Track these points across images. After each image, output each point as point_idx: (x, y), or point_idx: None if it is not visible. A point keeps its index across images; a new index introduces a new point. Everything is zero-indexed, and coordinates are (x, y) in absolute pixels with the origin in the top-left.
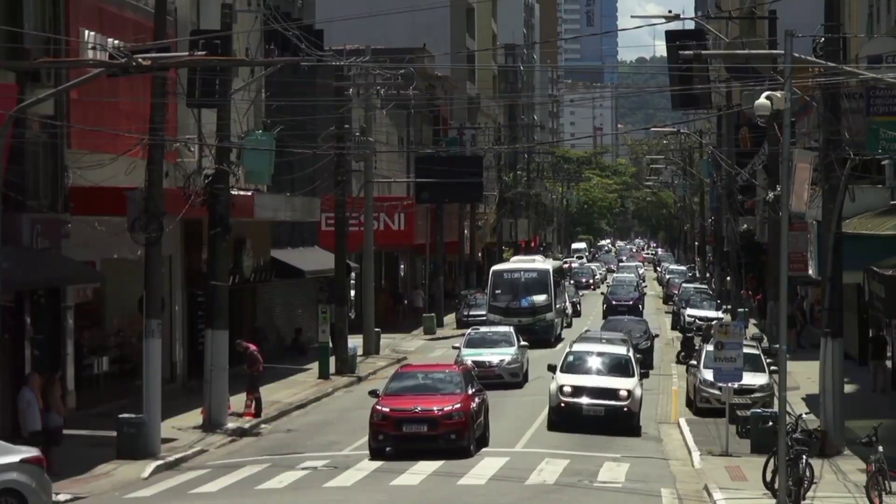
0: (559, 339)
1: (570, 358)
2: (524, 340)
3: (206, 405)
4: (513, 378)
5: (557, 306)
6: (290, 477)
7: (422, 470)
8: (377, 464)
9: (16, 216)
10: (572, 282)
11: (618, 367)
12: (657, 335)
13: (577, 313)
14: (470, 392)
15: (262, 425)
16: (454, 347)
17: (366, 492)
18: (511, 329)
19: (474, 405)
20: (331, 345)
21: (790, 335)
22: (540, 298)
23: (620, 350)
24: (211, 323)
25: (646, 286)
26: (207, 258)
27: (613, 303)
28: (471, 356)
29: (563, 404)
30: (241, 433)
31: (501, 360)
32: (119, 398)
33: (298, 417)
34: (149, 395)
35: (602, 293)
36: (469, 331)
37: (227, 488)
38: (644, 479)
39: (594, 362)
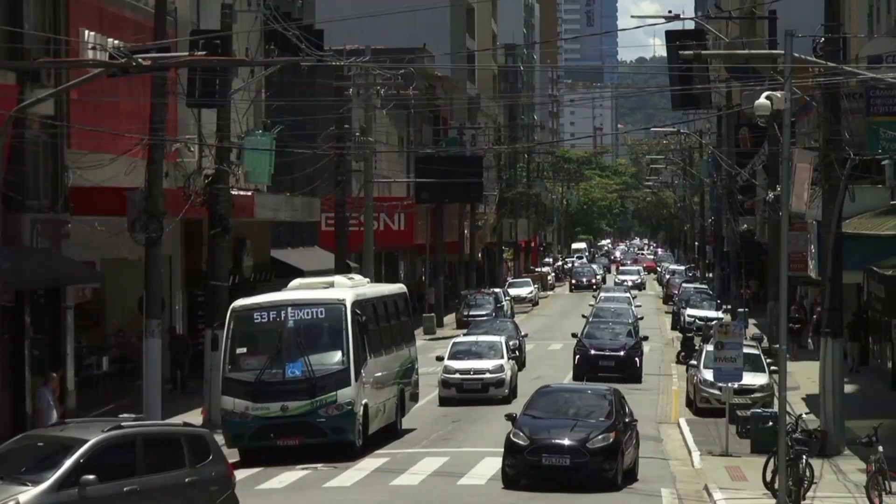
0: (392, 434)
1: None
2: (288, 441)
3: (206, 405)
4: None
5: (372, 375)
6: (291, 477)
7: (422, 470)
8: (377, 463)
9: (16, 216)
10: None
11: None
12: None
13: (520, 364)
14: None
15: None
16: None
17: (366, 492)
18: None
19: None
20: None
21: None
22: (328, 361)
23: None
24: (211, 323)
25: (642, 317)
26: (207, 258)
27: (591, 353)
28: None
29: None
30: None
31: None
32: (119, 398)
33: None
34: (149, 395)
35: (574, 334)
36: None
37: None
38: (644, 479)
39: None
